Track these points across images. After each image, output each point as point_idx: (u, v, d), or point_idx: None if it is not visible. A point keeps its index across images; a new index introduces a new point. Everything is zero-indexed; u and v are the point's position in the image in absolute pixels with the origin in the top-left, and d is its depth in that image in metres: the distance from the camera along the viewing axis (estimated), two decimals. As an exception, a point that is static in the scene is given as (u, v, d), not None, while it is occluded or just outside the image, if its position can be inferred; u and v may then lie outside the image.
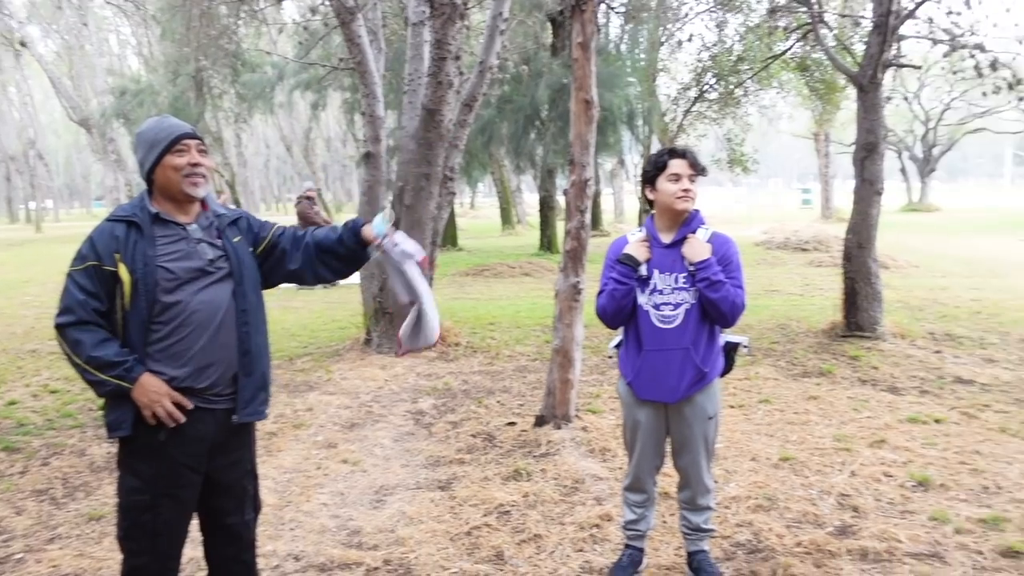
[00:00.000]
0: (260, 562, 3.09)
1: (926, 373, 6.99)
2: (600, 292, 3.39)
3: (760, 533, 3.87)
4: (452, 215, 23.26)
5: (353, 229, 2.85)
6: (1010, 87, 8.90)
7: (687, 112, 22.09)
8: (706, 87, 20.71)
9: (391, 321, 8.04)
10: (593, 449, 5.11)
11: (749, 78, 18.42)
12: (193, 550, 3.09)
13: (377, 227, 2.79)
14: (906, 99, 27.88)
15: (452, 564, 3.65)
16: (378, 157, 8.44)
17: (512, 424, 5.69)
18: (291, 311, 11.45)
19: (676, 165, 3.27)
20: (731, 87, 19.34)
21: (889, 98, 10.91)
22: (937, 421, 5.62)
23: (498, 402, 6.38)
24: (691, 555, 3.48)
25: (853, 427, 5.50)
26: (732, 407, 6.02)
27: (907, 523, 3.96)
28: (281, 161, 63.28)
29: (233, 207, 3.08)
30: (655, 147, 22.64)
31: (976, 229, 26.04)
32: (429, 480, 4.75)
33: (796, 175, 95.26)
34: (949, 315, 9.87)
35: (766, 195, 62.18)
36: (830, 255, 16.73)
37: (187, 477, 2.66)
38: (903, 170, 42.47)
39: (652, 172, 3.34)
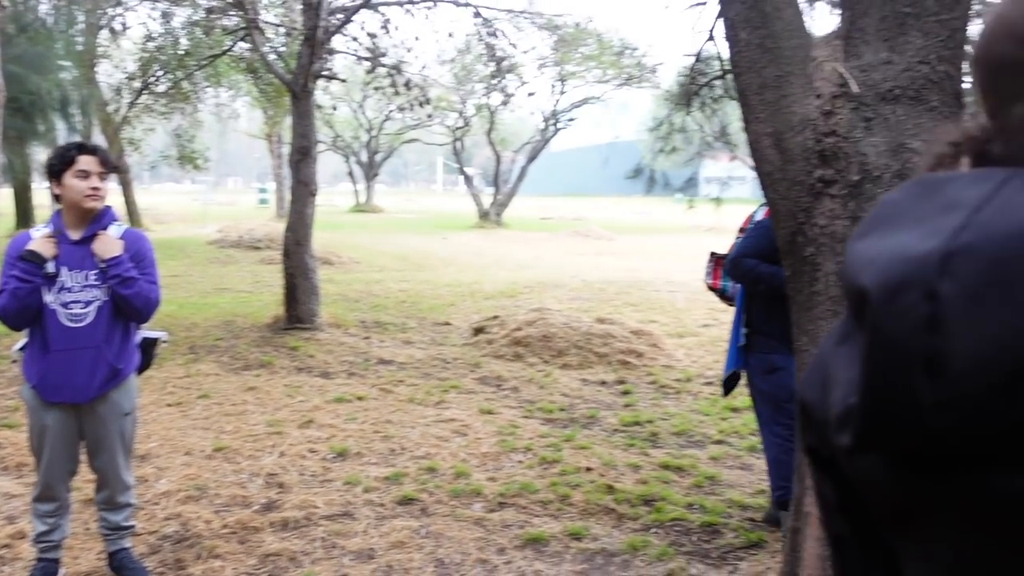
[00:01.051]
0: None
1: (355, 357, 7.78)
2: (0, 292, 3.17)
3: (189, 522, 3.98)
4: None
5: None
6: (421, 105, 10.38)
7: (132, 104, 20.98)
8: (152, 79, 19.90)
9: None
10: (7, 466, 4.67)
11: (190, 74, 18.20)
12: None
13: None
14: (334, 108, 30.07)
15: None
16: None
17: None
18: None
19: (85, 161, 3.21)
20: (179, 81, 18.89)
21: (325, 108, 11.82)
22: (360, 398, 6.32)
23: None
24: (112, 555, 3.45)
25: (286, 412, 5.90)
26: (170, 405, 6.00)
27: (325, 490, 4.43)
28: None
29: None
30: (97, 139, 21.08)
31: (412, 229, 29.36)
32: None
33: (256, 174, 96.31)
34: (380, 305, 11.06)
35: (224, 193, 61.92)
36: (281, 253, 17.38)
37: None
38: (351, 174, 45.85)
39: (59, 167, 3.23)
